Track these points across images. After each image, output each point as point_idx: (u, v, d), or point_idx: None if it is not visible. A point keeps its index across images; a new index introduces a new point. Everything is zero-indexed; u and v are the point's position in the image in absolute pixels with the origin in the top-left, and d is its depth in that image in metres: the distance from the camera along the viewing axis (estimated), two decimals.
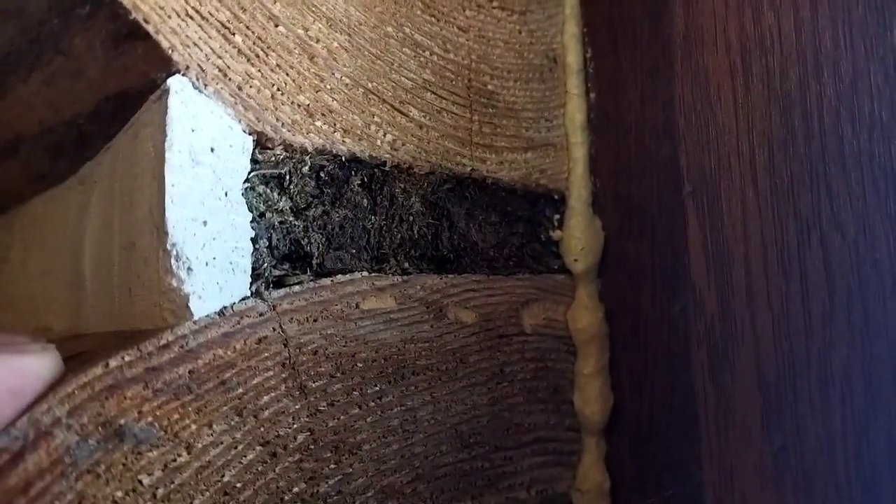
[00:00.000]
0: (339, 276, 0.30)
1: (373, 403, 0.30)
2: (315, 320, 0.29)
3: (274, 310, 0.28)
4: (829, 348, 0.27)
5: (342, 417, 0.29)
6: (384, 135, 0.32)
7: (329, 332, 0.29)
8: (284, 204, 0.29)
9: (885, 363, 0.25)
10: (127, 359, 0.24)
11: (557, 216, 0.39)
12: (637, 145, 0.37)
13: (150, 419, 0.25)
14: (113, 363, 0.24)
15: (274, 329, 0.28)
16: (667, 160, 0.34)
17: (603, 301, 0.38)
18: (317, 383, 0.29)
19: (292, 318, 0.28)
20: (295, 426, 0.28)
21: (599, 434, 0.37)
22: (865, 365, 0.26)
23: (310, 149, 0.30)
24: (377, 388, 0.31)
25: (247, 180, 0.28)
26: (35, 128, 0.38)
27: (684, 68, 0.32)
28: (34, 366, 0.24)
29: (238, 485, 0.26)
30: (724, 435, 0.30)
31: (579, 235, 0.39)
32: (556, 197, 0.39)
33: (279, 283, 0.29)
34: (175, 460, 0.25)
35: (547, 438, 0.37)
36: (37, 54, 0.32)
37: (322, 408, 0.29)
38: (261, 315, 0.27)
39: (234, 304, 0.27)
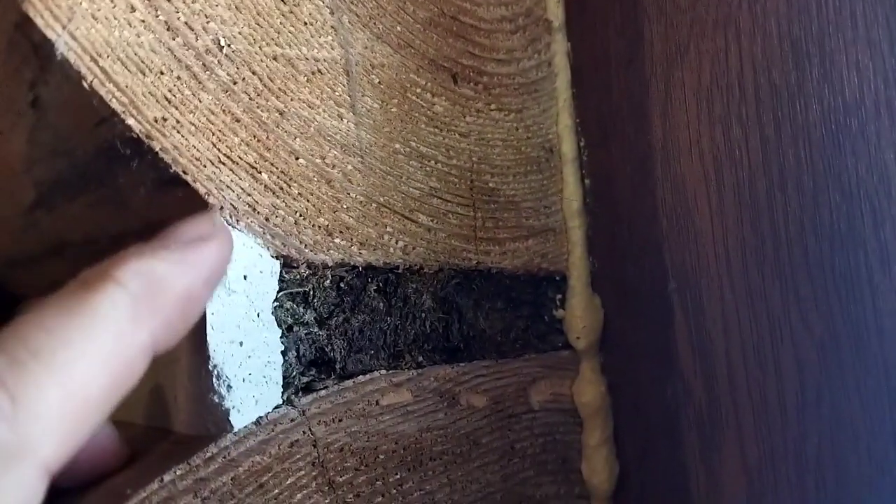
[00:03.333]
0: (360, 377, 0.33)
1: (395, 491, 0.34)
2: (340, 420, 0.32)
3: (303, 414, 0.31)
4: (803, 438, 0.29)
5: None
6: (396, 242, 0.36)
7: (353, 429, 0.33)
8: (310, 316, 0.33)
9: (851, 454, 0.28)
10: (178, 472, 0.28)
11: (560, 296, 0.42)
12: (630, 231, 0.40)
13: None
14: (167, 477, 0.28)
15: (304, 433, 0.31)
16: (655, 251, 0.37)
17: (605, 375, 0.41)
18: (343, 477, 0.32)
19: (320, 421, 0.32)
20: None
21: (608, 501, 0.40)
22: (834, 454, 0.28)
23: (330, 263, 0.33)
24: (398, 476, 0.34)
25: (276, 299, 0.32)
26: (80, 238, 0.41)
27: (664, 173, 0.35)
28: (217, 254, 0.27)
29: None
30: None
31: (580, 314, 0.42)
32: (557, 278, 0.42)
33: (307, 388, 0.32)
34: None
35: None
36: (83, 184, 0.35)
37: (349, 499, 0.32)
38: (292, 421, 0.31)
39: (269, 412, 0.30)
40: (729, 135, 0.32)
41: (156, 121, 0.29)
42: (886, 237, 0.27)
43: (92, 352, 0.22)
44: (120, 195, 0.34)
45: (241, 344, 0.30)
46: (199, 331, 0.29)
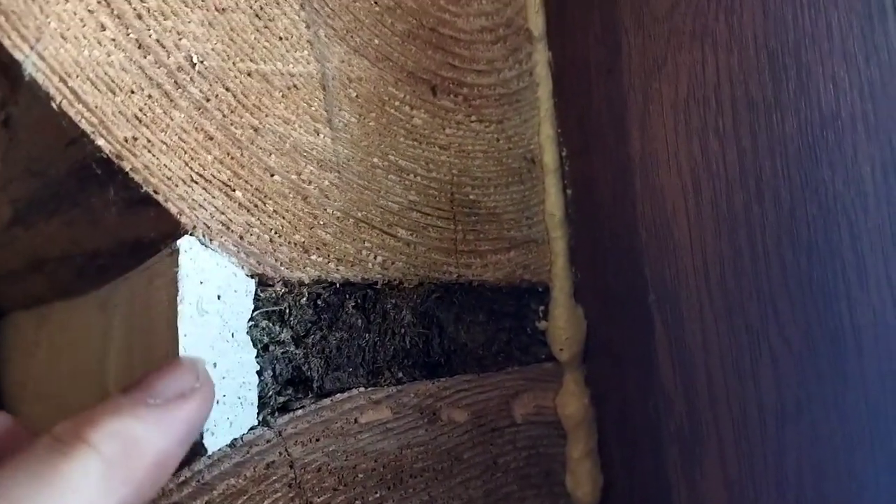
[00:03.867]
0: (338, 395, 0.33)
1: None
2: (318, 440, 0.32)
3: (280, 435, 0.31)
4: (782, 452, 0.29)
5: None
6: (375, 257, 0.35)
7: (331, 448, 0.32)
8: (286, 335, 0.32)
9: (831, 469, 0.28)
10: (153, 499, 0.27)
11: (542, 307, 0.42)
12: (611, 239, 0.40)
13: None
14: None
15: (280, 453, 0.31)
16: (635, 262, 0.37)
17: (589, 386, 0.41)
18: (321, 498, 0.32)
19: (297, 441, 0.31)
20: None
21: None
22: (814, 469, 0.28)
23: (306, 281, 0.33)
24: (377, 495, 0.33)
25: (251, 318, 0.31)
26: (57, 253, 0.41)
27: (643, 185, 0.35)
28: (197, 413, 0.25)
29: None
30: None
31: (563, 325, 0.41)
32: (539, 289, 0.42)
33: (283, 408, 0.32)
34: None
35: None
36: (57, 203, 0.35)
37: None
38: (268, 441, 0.31)
39: (244, 434, 0.30)
40: (706, 147, 0.32)
41: (126, 140, 0.28)
42: (863, 250, 0.27)
43: None
44: (93, 214, 0.33)
45: (214, 365, 0.29)
46: (172, 351, 0.29)
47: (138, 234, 0.32)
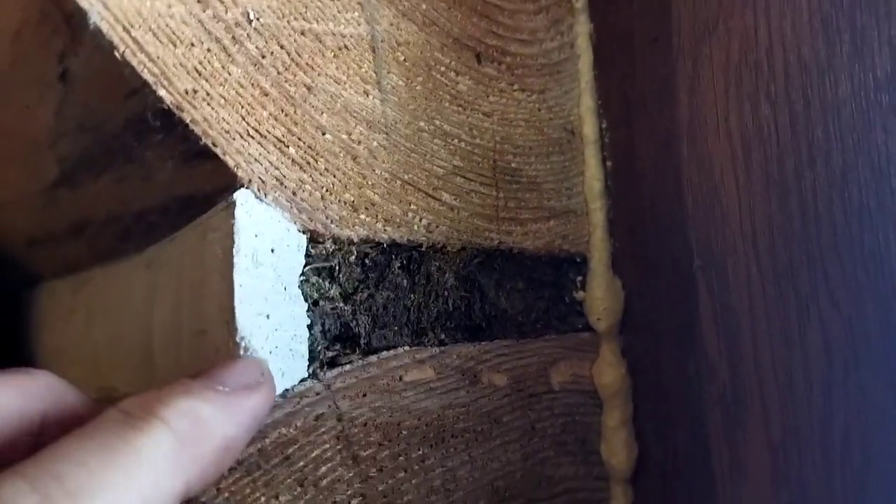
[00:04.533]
0: (384, 353, 0.33)
1: (417, 466, 0.34)
2: (364, 395, 0.32)
3: (328, 388, 0.31)
4: (829, 416, 0.29)
5: (390, 481, 0.33)
6: (420, 220, 0.36)
7: (377, 404, 0.33)
8: (335, 291, 0.33)
9: (879, 430, 0.28)
10: None
11: (580, 278, 0.42)
12: (652, 211, 0.40)
13: (226, 494, 0.28)
14: None
15: (329, 406, 0.31)
16: (679, 230, 0.37)
17: (625, 357, 0.41)
18: (367, 452, 0.32)
19: (344, 395, 0.32)
20: (349, 492, 0.31)
21: (626, 482, 0.40)
22: (861, 431, 0.28)
23: (355, 239, 0.33)
24: (420, 453, 0.34)
25: (302, 273, 0.32)
26: (103, 215, 0.42)
27: (690, 152, 0.35)
28: (262, 407, 0.26)
29: None
30: (737, 491, 0.32)
31: (601, 296, 0.42)
32: (578, 260, 0.42)
33: (332, 362, 0.32)
34: None
35: (576, 488, 0.40)
36: (109, 160, 0.35)
37: (372, 474, 0.32)
38: (317, 394, 0.31)
39: (295, 385, 0.30)
40: (757, 112, 0.32)
41: (186, 92, 0.29)
42: None
43: (130, 498, 0.21)
44: (146, 170, 0.34)
45: (268, 317, 0.30)
46: (226, 303, 0.29)
47: (192, 190, 0.33)
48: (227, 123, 0.30)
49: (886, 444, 0.28)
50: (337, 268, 0.33)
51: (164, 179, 0.34)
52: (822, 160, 0.30)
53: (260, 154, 0.30)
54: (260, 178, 0.30)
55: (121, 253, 0.43)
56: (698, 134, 0.34)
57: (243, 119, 0.30)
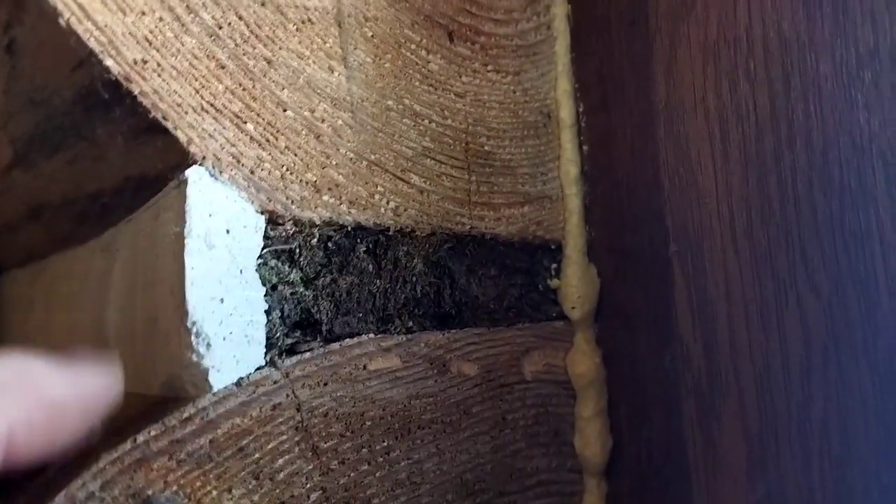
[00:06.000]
0: (347, 340, 0.32)
1: (381, 459, 0.32)
2: (325, 384, 0.31)
3: (287, 377, 0.30)
4: (807, 402, 0.28)
5: (352, 474, 0.31)
6: (387, 202, 0.34)
7: (339, 394, 0.31)
8: (295, 275, 0.31)
9: (859, 417, 0.27)
10: (153, 433, 0.26)
11: (555, 265, 0.41)
12: (629, 197, 0.39)
13: (175, 488, 0.27)
14: (140, 438, 0.26)
15: (287, 395, 0.30)
16: (655, 215, 0.36)
17: (600, 346, 0.40)
18: (328, 443, 0.31)
19: (304, 384, 0.30)
20: (308, 486, 0.30)
21: (600, 475, 0.39)
22: (841, 418, 0.27)
23: (318, 222, 0.32)
24: (385, 444, 0.32)
25: (260, 256, 0.30)
26: (58, 199, 0.40)
27: (667, 133, 0.34)
28: (103, 386, 0.26)
29: None
30: (712, 481, 0.31)
31: (576, 283, 0.40)
32: (552, 247, 0.41)
33: (291, 350, 0.31)
34: None
35: (549, 481, 0.38)
36: (60, 138, 0.34)
37: (333, 466, 0.31)
38: (275, 383, 0.29)
39: (250, 374, 0.29)
40: (736, 90, 0.31)
41: (135, 62, 0.27)
42: None
43: None
44: (99, 148, 0.32)
45: (221, 301, 0.28)
46: (177, 286, 0.28)
47: (144, 169, 0.31)
48: (180, 96, 0.28)
49: (866, 431, 0.27)
50: (298, 251, 0.31)
51: (117, 158, 0.32)
52: (803, 139, 0.29)
53: (215, 130, 0.29)
54: (215, 154, 0.29)
55: (80, 238, 0.41)
56: (675, 114, 0.33)
57: (197, 92, 0.29)
